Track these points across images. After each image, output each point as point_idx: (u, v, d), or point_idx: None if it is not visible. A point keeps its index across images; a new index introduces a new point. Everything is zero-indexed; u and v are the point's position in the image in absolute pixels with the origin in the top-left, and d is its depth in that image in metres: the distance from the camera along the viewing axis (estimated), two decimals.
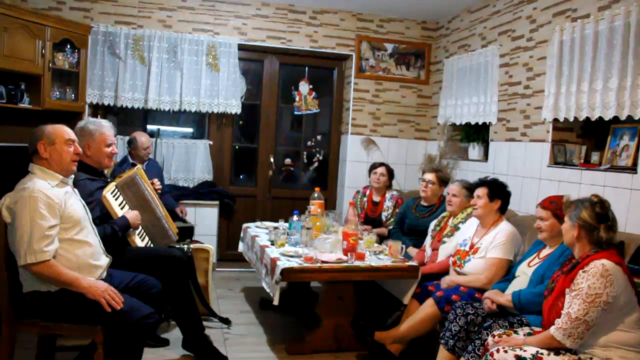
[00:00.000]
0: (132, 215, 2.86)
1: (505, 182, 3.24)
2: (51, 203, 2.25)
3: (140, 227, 2.98)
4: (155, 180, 3.32)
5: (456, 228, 3.40)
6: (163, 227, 3.18)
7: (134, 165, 4.12)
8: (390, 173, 4.38)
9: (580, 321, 2.08)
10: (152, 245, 3.07)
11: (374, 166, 4.42)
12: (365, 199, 4.46)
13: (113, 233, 2.71)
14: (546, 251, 2.70)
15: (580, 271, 2.15)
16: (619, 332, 2.13)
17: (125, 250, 2.85)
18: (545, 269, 2.57)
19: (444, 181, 3.93)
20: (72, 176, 2.52)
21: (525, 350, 2.16)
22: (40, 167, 2.36)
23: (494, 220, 3.13)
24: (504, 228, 3.07)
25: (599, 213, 2.23)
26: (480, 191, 3.16)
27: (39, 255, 2.18)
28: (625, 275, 2.13)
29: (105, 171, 3.09)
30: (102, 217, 2.75)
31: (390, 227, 4.20)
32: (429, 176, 3.89)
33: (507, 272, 2.96)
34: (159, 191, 3.41)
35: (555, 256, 2.59)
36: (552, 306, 2.25)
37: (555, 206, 2.64)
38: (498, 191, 3.15)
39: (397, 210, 4.25)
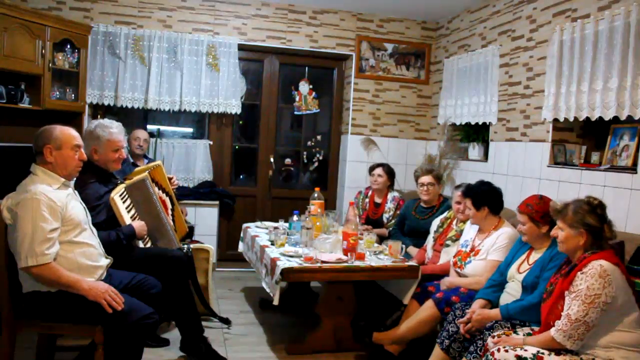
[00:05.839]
0: (139, 225, 2.84)
1: (484, 182, 3.15)
2: (53, 206, 2.24)
3: (145, 236, 2.96)
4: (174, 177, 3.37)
5: (462, 233, 3.36)
6: (167, 234, 3.14)
7: (134, 165, 4.12)
8: (389, 174, 4.33)
9: (580, 322, 2.08)
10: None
11: (371, 168, 4.39)
12: (367, 200, 4.45)
13: (117, 240, 2.69)
14: (535, 256, 2.66)
15: (579, 273, 2.14)
16: (619, 332, 2.13)
17: (127, 253, 2.84)
18: (536, 276, 2.53)
19: (439, 178, 3.94)
20: (73, 179, 2.51)
21: (526, 350, 2.16)
22: (42, 169, 2.36)
23: (494, 224, 3.07)
24: (506, 231, 3.03)
25: (601, 214, 2.23)
26: (468, 202, 3.10)
27: (40, 258, 2.18)
28: (623, 276, 2.14)
29: None
30: (107, 220, 2.73)
31: (391, 228, 4.19)
32: (427, 179, 3.86)
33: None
34: (176, 187, 3.41)
35: (545, 261, 2.55)
36: (551, 309, 2.24)
37: (531, 209, 2.60)
38: (480, 199, 3.05)
39: (397, 212, 4.24)
